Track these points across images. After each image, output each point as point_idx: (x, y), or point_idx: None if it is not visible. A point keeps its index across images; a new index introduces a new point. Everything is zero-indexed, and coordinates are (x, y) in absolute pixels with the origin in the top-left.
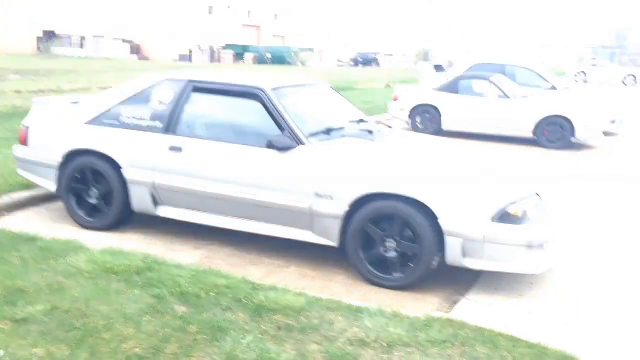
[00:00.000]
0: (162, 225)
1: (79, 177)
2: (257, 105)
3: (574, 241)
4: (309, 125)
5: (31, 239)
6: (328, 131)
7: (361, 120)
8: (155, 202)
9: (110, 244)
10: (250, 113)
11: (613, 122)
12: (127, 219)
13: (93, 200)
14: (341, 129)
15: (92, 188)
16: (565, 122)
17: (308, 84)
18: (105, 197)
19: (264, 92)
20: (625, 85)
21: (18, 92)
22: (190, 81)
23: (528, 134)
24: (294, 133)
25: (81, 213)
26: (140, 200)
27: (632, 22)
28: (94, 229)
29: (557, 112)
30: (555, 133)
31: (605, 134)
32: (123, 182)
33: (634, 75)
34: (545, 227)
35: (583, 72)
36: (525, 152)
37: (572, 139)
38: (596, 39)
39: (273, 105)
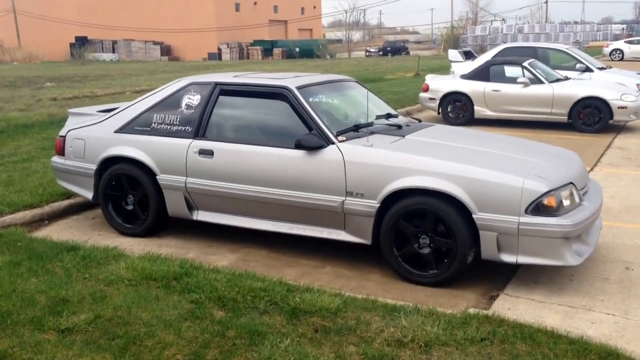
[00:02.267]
0: (198, 229)
1: (114, 184)
2: (284, 105)
3: (618, 230)
4: (336, 123)
5: (72, 248)
6: (356, 128)
7: (389, 115)
8: (190, 207)
9: (148, 249)
10: (277, 113)
11: None
12: (163, 224)
13: (130, 207)
14: (369, 125)
15: (128, 194)
16: (602, 103)
17: (334, 80)
18: (141, 203)
19: (290, 91)
20: None
21: (53, 99)
22: (217, 84)
23: (563, 118)
24: (322, 132)
25: (119, 220)
26: (174, 205)
27: None
28: (132, 235)
29: (592, 93)
30: (591, 116)
31: None
32: (157, 188)
33: None
34: (582, 217)
35: (619, 50)
36: (560, 137)
37: (610, 121)
38: (629, 15)
39: (300, 104)
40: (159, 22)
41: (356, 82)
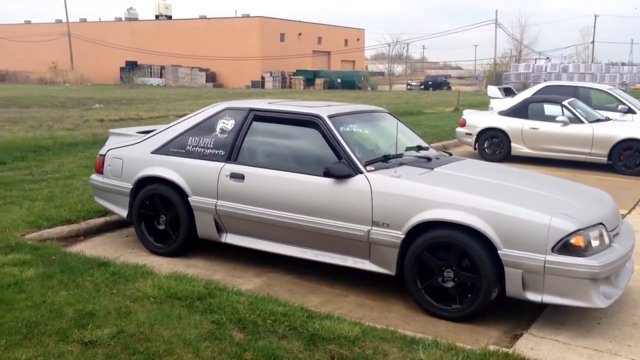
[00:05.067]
0: (226, 252)
1: (148, 203)
2: (315, 133)
3: None
4: (366, 153)
5: (103, 264)
6: (385, 159)
7: (420, 147)
8: (219, 229)
9: (175, 269)
10: (308, 141)
11: None
12: (193, 244)
13: (161, 226)
14: (399, 156)
15: (161, 214)
16: None
17: (366, 111)
18: (173, 223)
19: (321, 119)
20: None
21: (100, 120)
22: (251, 110)
23: (603, 159)
24: (351, 161)
25: (150, 238)
26: (204, 227)
27: None
28: (163, 254)
29: (634, 135)
30: (632, 158)
31: None
32: (189, 209)
33: None
34: (611, 258)
35: None
36: (599, 178)
37: None
38: None
39: (331, 133)
40: (206, 49)
41: (388, 113)
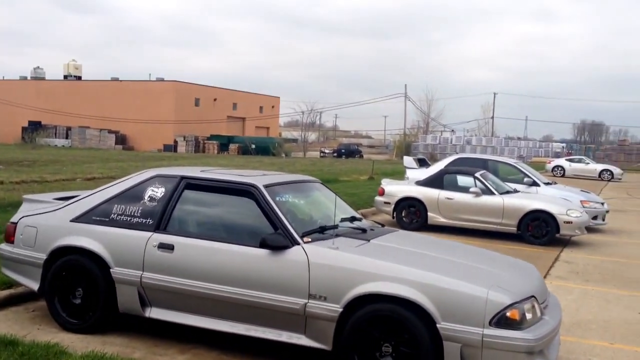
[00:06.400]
0: (145, 326)
1: (64, 275)
2: (251, 203)
3: (571, 345)
4: (302, 224)
5: (10, 343)
6: (322, 230)
7: (354, 218)
8: (143, 303)
9: (91, 347)
10: (243, 211)
11: (595, 217)
12: (111, 320)
13: (77, 301)
14: (335, 227)
15: (77, 288)
16: (549, 217)
17: (300, 181)
18: (90, 297)
19: (257, 189)
20: (602, 179)
21: (0, 182)
22: (183, 177)
23: (513, 229)
24: (287, 232)
25: (64, 314)
26: (127, 301)
27: (602, 119)
28: (77, 332)
29: (541, 207)
30: (540, 228)
31: (588, 229)
32: (110, 282)
33: (610, 170)
34: (544, 331)
35: (561, 167)
36: (510, 247)
37: (557, 235)
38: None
39: (267, 203)
40: (117, 111)
41: (321, 183)
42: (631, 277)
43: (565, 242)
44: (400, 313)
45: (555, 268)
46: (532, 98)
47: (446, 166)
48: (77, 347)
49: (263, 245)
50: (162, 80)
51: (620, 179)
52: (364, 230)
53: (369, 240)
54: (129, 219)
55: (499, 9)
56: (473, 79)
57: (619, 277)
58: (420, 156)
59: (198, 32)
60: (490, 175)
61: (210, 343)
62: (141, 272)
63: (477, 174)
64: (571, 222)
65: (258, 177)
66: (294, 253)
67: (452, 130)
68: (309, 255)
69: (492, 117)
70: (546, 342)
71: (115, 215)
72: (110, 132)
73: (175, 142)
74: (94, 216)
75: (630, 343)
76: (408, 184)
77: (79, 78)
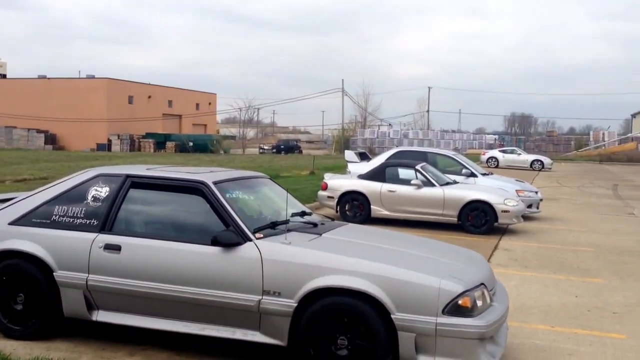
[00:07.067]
0: (92, 329)
1: (4, 279)
2: (200, 200)
3: (514, 329)
4: (253, 220)
5: None
6: (273, 225)
7: (304, 213)
8: (90, 306)
9: (35, 354)
10: (192, 208)
11: (530, 205)
12: (56, 325)
13: (19, 306)
14: (286, 222)
15: (19, 293)
16: (488, 207)
17: (248, 177)
18: (33, 303)
19: (206, 186)
20: (534, 169)
21: None
22: (128, 176)
23: (453, 219)
24: (239, 228)
25: (5, 320)
26: (72, 305)
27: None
28: (19, 338)
29: (479, 197)
30: (479, 218)
31: (524, 217)
32: (53, 286)
33: (541, 160)
34: (494, 317)
35: (495, 158)
36: (451, 237)
37: (495, 224)
38: (499, 126)
39: (217, 199)
40: (45, 110)
41: (269, 178)
42: (567, 262)
43: (503, 231)
44: (355, 305)
45: (495, 256)
46: (465, 92)
47: (387, 159)
48: (20, 353)
49: (215, 242)
50: (92, 77)
51: (550, 168)
52: (315, 225)
53: (320, 234)
54: (72, 220)
55: (434, 5)
56: (409, 74)
57: (555, 263)
58: (361, 150)
59: (129, 28)
60: (431, 168)
61: (162, 344)
62: (87, 275)
63: (418, 167)
64: (508, 211)
65: (206, 174)
66: (247, 250)
67: (390, 124)
68: (262, 252)
69: (428, 111)
70: (496, 328)
71: (57, 216)
72: (39, 131)
73: (109, 141)
74: (34, 218)
75: (570, 325)
76: (350, 178)
77: (4, 76)
